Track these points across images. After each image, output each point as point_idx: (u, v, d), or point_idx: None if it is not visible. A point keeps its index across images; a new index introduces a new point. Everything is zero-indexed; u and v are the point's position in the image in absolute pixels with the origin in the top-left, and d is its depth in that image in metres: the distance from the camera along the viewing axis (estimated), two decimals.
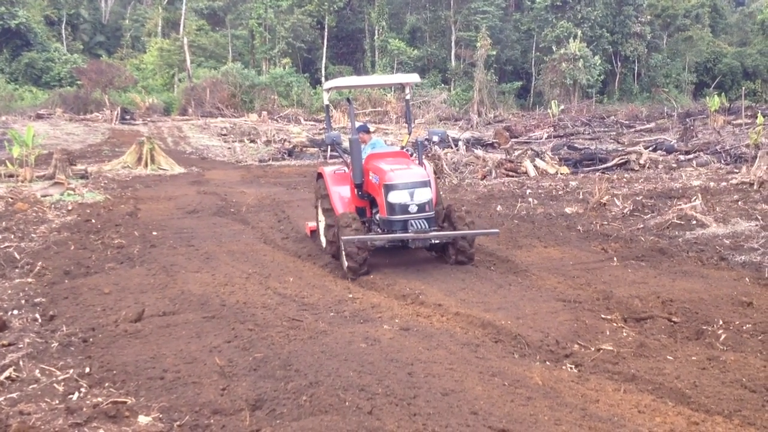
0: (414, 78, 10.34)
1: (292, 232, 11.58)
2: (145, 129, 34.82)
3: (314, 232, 10.69)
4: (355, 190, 9.38)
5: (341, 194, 9.58)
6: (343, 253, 8.48)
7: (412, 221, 8.52)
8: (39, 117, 35.93)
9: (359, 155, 9.26)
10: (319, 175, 10.20)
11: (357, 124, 10.46)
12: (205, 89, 45.65)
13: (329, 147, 21.42)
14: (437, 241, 8.85)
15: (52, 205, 13.45)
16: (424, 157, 9.86)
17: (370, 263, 8.55)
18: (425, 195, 8.63)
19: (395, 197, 8.54)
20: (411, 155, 9.66)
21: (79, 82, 45.39)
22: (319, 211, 10.10)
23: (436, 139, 10.21)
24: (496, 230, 9.44)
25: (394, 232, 8.61)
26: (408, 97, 10.76)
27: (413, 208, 8.54)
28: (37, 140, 17.93)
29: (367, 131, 10.56)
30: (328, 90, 10.39)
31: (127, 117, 38.83)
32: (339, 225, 8.67)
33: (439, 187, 10.34)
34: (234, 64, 49.71)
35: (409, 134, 10.63)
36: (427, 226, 8.51)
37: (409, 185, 8.56)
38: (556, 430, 4.22)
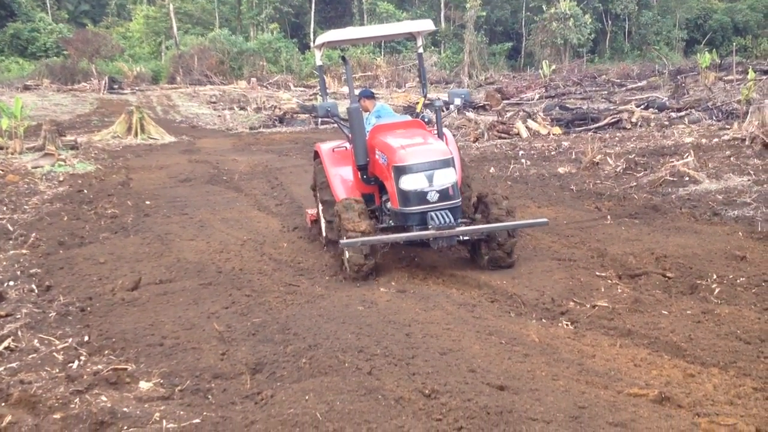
0: (428, 25, 8.24)
1: (286, 198, 11.56)
2: (133, 98, 34.50)
3: (316, 221, 8.93)
4: (359, 173, 7.51)
5: (343, 177, 7.79)
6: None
7: (433, 213, 6.67)
8: (26, 88, 35.51)
9: (361, 129, 7.30)
10: (316, 154, 8.33)
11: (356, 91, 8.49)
12: (192, 57, 45.23)
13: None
14: (466, 238, 7.04)
15: (44, 177, 13.36)
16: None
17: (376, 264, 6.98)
18: (448, 177, 6.71)
19: (409, 183, 6.67)
20: (428, 123, 8.01)
21: (65, 52, 44.74)
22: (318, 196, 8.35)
23: (458, 102, 7.92)
24: (545, 220, 7.17)
25: (410, 228, 6.78)
26: (421, 50, 8.75)
27: (433, 196, 6.65)
28: (25, 112, 17.74)
29: (371, 96, 8.81)
30: (321, 47, 8.21)
31: (115, 86, 38.46)
32: (337, 212, 7.05)
33: (465, 163, 8.39)
34: (221, 31, 49.24)
35: (424, 96, 8.62)
36: (452, 219, 6.63)
37: (426, 166, 6.65)
38: (554, 386, 4.27)
